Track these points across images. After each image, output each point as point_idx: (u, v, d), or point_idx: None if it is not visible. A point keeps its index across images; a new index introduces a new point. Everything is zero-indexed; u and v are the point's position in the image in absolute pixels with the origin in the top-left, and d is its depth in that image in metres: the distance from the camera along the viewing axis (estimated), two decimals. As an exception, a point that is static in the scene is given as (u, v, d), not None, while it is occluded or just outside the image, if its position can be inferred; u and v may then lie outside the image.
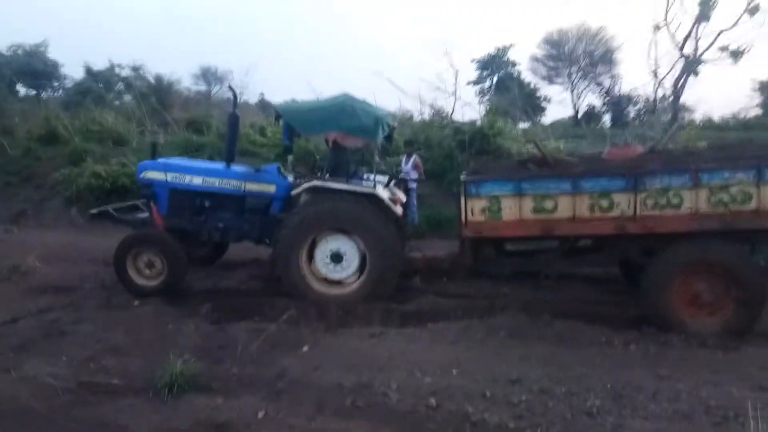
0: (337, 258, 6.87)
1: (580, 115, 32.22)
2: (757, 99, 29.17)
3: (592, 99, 33.90)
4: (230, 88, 7.99)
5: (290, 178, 7.57)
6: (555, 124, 26.67)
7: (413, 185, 10.13)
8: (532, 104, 24.40)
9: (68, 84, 28.08)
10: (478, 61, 32.21)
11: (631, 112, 29.36)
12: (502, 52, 32.56)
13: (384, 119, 6.94)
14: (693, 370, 4.88)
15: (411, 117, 16.65)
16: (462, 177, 6.41)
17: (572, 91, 34.24)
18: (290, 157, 7.89)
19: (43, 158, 14.33)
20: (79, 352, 5.24)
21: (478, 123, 14.03)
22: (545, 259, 6.95)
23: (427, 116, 16.75)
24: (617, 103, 30.46)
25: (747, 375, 4.78)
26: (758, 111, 27.46)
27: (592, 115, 31.73)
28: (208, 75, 38.11)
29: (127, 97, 24.93)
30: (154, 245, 6.98)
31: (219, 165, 7.72)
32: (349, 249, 6.86)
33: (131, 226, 7.57)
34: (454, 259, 7.26)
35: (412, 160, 10.70)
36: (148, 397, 4.38)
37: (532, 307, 6.36)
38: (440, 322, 6.22)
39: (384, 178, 7.51)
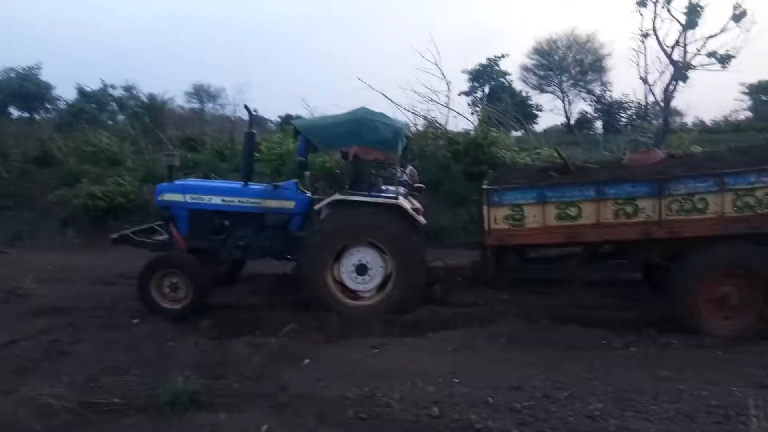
0: (362, 270, 6.87)
1: (572, 122, 32.47)
2: (747, 102, 29.55)
3: (583, 106, 34.18)
4: (246, 107, 7.99)
5: (308, 194, 7.61)
6: (548, 132, 26.84)
7: (410, 196, 10.14)
8: (524, 113, 24.50)
9: (61, 105, 28.11)
10: (469, 72, 32.44)
11: (623, 118, 29.55)
12: (492, 62, 32.79)
13: (402, 131, 6.98)
14: (693, 371, 4.90)
15: (409, 128, 16.69)
16: (483, 186, 6.45)
17: (564, 99, 34.52)
18: (307, 173, 7.91)
19: (38, 180, 14.29)
20: (80, 372, 5.19)
21: (472, 133, 14.10)
22: (568, 265, 6.97)
23: (420, 127, 16.82)
24: (608, 110, 30.69)
25: (747, 374, 4.81)
26: (748, 114, 27.75)
27: (584, 121, 31.97)
28: (201, 93, 38.51)
29: (121, 117, 24.96)
30: (182, 269, 6.96)
31: (237, 184, 7.77)
32: (374, 260, 6.86)
33: (152, 250, 7.55)
34: (477, 267, 7.29)
35: (408, 171, 10.73)
36: (150, 415, 4.33)
37: (531, 313, 6.38)
38: (440, 330, 6.24)
39: (402, 189, 7.54)
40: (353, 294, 6.93)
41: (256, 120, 9.79)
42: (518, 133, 18.41)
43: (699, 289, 5.79)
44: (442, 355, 5.57)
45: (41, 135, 16.95)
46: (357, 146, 6.80)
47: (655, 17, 13.81)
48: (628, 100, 29.33)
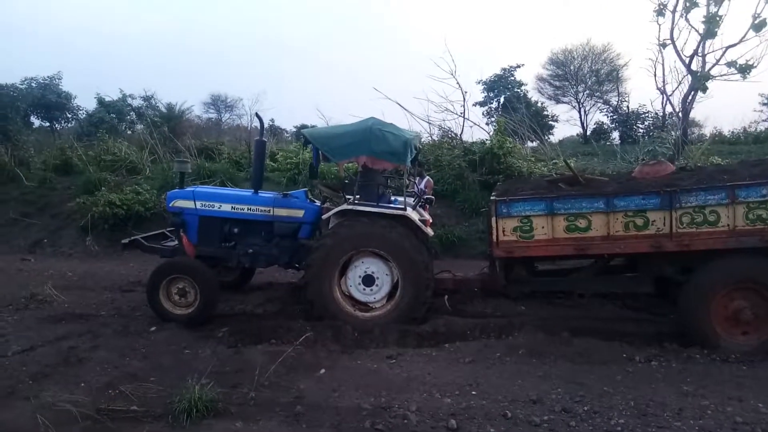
0: (368, 280, 6.86)
1: (588, 133, 32.21)
2: (766, 113, 29.11)
3: (599, 116, 33.90)
4: (257, 115, 8.06)
5: (317, 203, 7.63)
6: (564, 142, 26.66)
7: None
8: (540, 123, 24.34)
9: (81, 115, 28.41)
10: (484, 83, 32.37)
11: (641, 128, 29.26)
12: (508, 72, 32.70)
13: (412, 142, 6.96)
14: (717, 386, 4.82)
15: (420, 138, 16.67)
16: (492, 197, 6.41)
17: (580, 109, 34.30)
18: (317, 182, 7.94)
19: (58, 188, 14.50)
20: (98, 378, 5.24)
21: (488, 143, 14.06)
22: (578, 278, 6.88)
23: (436, 137, 16.80)
24: (626, 120, 30.41)
25: (773, 390, 4.69)
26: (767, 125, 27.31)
27: (601, 132, 31.69)
28: (218, 103, 38.84)
29: (139, 127, 25.21)
30: (190, 275, 6.99)
31: (247, 192, 7.82)
32: (381, 271, 6.85)
33: (161, 255, 7.63)
34: (485, 279, 7.22)
35: (424, 180, 10.72)
36: (167, 423, 4.35)
37: (549, 325, 6.32)
38: (457, 342, 6.20)
39: (411, 200, 7.51)
40: (364, 306, 6.92)
41: (272, 130, 9.89)
42: (534, 144, 18.34)
43: (711, 304, 5.69)
44: (458, 366, 5.53)
45: (62, 144, 17.21)
46: (366, 156, 6.79)
47: (673, 27, 13.68)
48: (645, 110, 29.05)
